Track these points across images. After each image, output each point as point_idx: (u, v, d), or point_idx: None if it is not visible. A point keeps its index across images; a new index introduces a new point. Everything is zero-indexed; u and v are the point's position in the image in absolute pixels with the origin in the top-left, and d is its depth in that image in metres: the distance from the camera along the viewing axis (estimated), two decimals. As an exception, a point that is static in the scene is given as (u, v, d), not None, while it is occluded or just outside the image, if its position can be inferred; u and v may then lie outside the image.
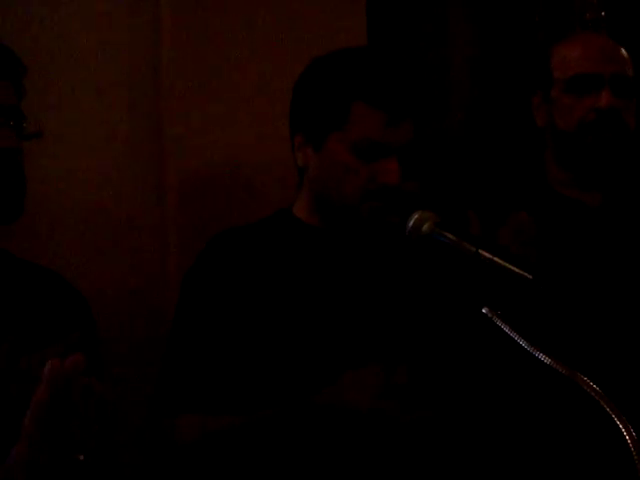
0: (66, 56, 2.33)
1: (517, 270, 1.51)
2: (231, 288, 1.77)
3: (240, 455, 1.71)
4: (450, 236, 1.60)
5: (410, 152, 2.73)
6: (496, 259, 1.53)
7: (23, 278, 1.75)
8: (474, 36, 3.59)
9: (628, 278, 2.00)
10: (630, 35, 2.21)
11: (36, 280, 1.76)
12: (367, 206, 1.76)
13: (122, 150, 2.38)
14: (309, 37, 2.41)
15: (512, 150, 3.00)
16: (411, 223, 1.65)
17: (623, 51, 2.11)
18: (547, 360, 1.43)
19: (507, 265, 1.52)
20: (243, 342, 1.75)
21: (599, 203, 2.10)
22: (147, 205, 2.39)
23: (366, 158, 1.74)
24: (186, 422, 1.73)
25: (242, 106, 2.41)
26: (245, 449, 1.70)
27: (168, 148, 2.38)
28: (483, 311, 1.52)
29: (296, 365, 1.72)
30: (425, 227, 1.63)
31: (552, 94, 2.11)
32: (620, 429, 1.35)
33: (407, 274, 1.85)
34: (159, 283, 2.37)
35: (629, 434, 1.34)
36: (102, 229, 2.36)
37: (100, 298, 2.25)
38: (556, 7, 3.58)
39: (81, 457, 1.35)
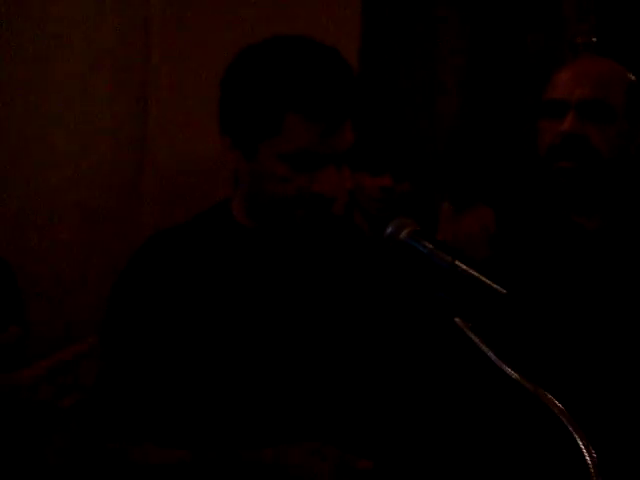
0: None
1: (491, 284, 1.52)
2: (159, 298, 1.69)
3: None
4: (427, 244, 1.60)
5: (402, 154, 2.71)
6: (472, 271, 1.54)
7: None
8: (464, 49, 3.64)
9: (613, 299, 1.97)
10: (621, 60, 2.13)
11: None
12: (301, 214, 1.67)
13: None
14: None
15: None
16: (390, 228, 1.62)
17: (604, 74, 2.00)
18: (513, 375, 1.45)
19: (482, 278, 1.53)
20: (170, 357, 1.68)
21: (596, 226, 2.02)
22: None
23: (300, 169, 1.62)
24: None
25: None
26: None
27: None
28: (455, 321, 1.53)
29: (223, 379, 1.67)
30: (403, 233, 1.61)
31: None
32: (580, 448, 1.36)
33: (357, 280, 1.79)
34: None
35: (589, 453, 1.36)
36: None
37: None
38: (547, 31, 3.61)
39: None
